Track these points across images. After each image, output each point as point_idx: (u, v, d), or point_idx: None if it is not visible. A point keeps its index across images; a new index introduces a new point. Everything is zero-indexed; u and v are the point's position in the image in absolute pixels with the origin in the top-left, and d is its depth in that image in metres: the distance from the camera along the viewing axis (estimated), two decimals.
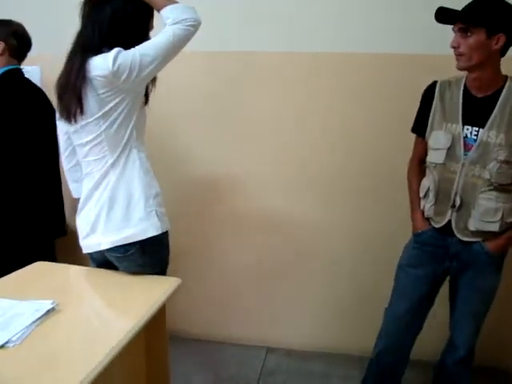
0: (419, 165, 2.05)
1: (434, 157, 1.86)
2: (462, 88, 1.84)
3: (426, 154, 1.96)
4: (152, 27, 1.75)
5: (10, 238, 2.38)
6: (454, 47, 1.73)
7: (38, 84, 2.52)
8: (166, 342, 1.80)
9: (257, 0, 2.56)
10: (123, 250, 1.73)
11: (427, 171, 1.96)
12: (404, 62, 2.46)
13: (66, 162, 1.96)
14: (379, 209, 2.63)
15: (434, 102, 1.89)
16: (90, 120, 1.67)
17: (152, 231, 1.74)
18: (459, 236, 1.85)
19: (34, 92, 2.41)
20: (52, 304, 1.45)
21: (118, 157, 1.72)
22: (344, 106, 2.58)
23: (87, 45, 1.64)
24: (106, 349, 1.25)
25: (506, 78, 1.78)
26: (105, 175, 1.73)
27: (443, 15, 1.73)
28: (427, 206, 1.92)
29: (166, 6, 1.65)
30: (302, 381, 2.65)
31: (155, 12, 1.72)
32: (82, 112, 1.64)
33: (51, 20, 2.64)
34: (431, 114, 1.90)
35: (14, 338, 1.26)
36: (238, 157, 2.76)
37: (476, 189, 1.78)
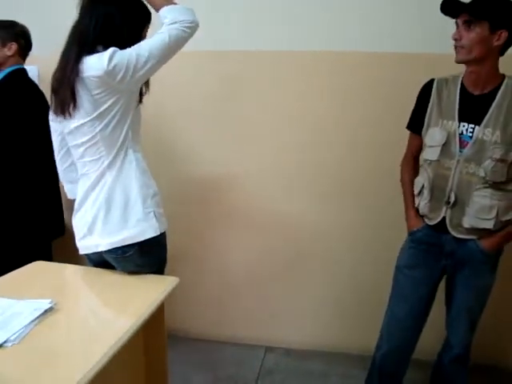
0: (413, 162, 2.06)
1: (429, 153, 1.87)
2: (459, 85, 1.84)
3: (420, 152, 1.97)
4: (145, 35, 1.75)
5: (8, 237, 2.38)
6: (455, 39, 1.74)
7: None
8: (164, 342, 1.80)
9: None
10: (121, 251, 1.73)
11: (421, 169, 1.96)
12: (402, 60, 2.45)
13: (60, 163, 1.96)
14: (379, 208, 2.63)
15: (431, 100, 1.89)
16: (84, 121, 1.66)
17: (150, 232, 1.74)
18: (453, 233, 1.85)
19: (37, 93, 2.42)
20: (50, 303, 1.45)
21: (114, 157, 1.71)
22: (344, 104, 2.58)
23: (82, 39, 1.64)
24: (104, 348, 1.26)
25: (503, 76, 1.79)
26: (101, 176, 1.72)
27: (449, 6, 1.73)
28: (422, 203, 1.92)
29: (164, 5, 1.65)
30: (301, 380, 2.65)
31: (154, 12, 1.72)
32: (75, 106, 1.63)
33: (48, 20, 2.63)
34: (428, 112, 1.90)
35: (12, 338, 1.27)
36: (237, 156, 2.76)
37: (471, 186, 1.78)
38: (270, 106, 2.67)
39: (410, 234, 2.01)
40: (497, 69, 1.78)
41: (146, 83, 1.80)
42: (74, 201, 1.86)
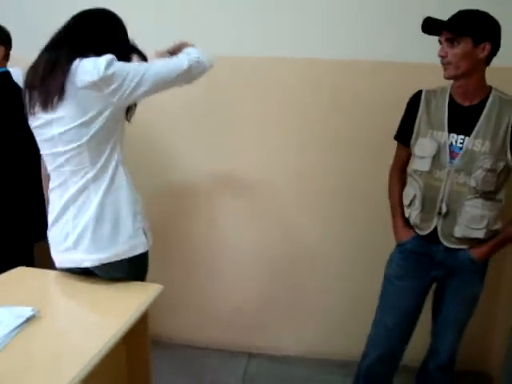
0: (401, 172, 2.07)
1: (419, 164, 1.87)
2: (447, 97, 1.86)
3: (407, 163, 1.98)
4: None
5: None
6: (441, 56, 1.75)
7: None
8: (148, 349, 1.78)
9: (247, 4, 2.54)
10: (109, 265, 1.70)
11: (409, 179, 1.96)
12: (395, 69, 2.46)
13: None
14: (377, 215, 2.61)
15: (420, 111, 1.90)
16: (69, 127, 1.59)
17: (140, 249, 1.74)
18: (445, 243, 1.86)
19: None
20: (32, 311, 1.42)
21: (100, 171, 1.66)
22: (336, 112, 2.58)
23: (75, 40, 1.61)
24: (87, 356, 1.24)
25: (490, 88, 1.81)
26: (83, 188, 1.66)
27: (430, 26, 1.75)
28: (413, 213, 1.92)
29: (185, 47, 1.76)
30: None
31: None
32: (60, 99, 1.55)
33: (32, 20, 2.61)
34: (416, 122, 1.91)
35: None
36: (224, 163, 2.75)
37: (462, 196, 1.79)
38: (257, 113, 2.65)
39: (399, 244, 2.02)
40: (484, 79, 1.80)
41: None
42: None
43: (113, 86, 1.56)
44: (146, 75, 1.60)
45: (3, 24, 2.36)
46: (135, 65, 1.63)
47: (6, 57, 2.38)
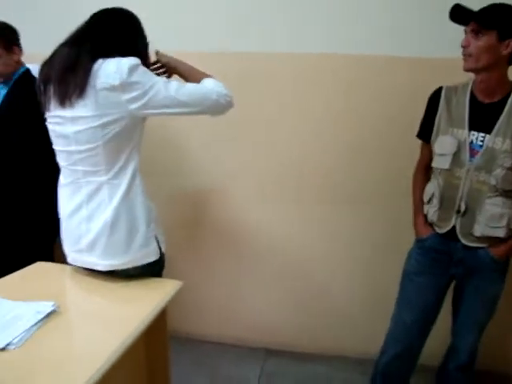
0: (425, 170, 2.04)
1: (440, 162, 1.85)
2: (468, 94, 1.83)
3: (431, 160, 1.96)
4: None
5: (13, 237, 2.38)
6: (463, 46, 1.72)
7: None
8: (167, 344, 1.79)
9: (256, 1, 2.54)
10: (121, 270, 1.71)
11: (432, 176, 1.95)
12: (406, 64, 2.43)
13: None
14: (392, 213, 2.61)
15: (440, 108, 1.88)
16: (84, 127, 1.56)
17: (152, 257, 1.73)
18: (464, 241, 1.84)
19: None
20: (53, 306, 1.43)
21: (117, 175, 1.63)
22: (348, 109, 2.57)
23: (97, 39, 1.59)
24: (107, 352, 1.25)
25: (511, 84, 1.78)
26: (97, 191, 1.64)
27: (458, 14, 1.72)
28: (431, 211, 1.91)
29: (203, 78, 1.73)
30: (300, 383, 2.64)
31: None
32: (79, 97, 1.52)
33: (48, 18, 2.63)
34: (437, 120, 1.89)
35: (14, 341, 1.26)
36: (239, 162, 2.75)
37: (481, 194, 1.77)
38: (267, 111, 2.64)
39: (418, 240, 2.00)
40: (506, 77, 1.77)
41: None
42: None
43: (133, 94, 1.53)
44: (173, 94, 1.58)
45: (20, 21, 2.38)
46: (163, 80, 1.60)
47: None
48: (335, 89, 2.55)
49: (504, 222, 1.76)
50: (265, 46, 2.56)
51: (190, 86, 1.66)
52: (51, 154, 2.31)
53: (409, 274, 2.03)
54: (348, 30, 2.47)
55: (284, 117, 2.63)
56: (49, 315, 1.40)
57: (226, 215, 2.83)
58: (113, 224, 1.64)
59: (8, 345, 1.24)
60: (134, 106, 1.55)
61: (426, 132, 1.95)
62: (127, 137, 1.62)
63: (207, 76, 1.75)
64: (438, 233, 1.92)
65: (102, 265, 1.69)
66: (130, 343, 1.33)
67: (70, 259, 1.78)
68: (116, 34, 1.63)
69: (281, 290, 2.88)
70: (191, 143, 2.77)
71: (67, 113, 1.57)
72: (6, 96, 2.37)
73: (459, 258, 1.88)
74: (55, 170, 2.25)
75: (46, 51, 1.66)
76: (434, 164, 1.89)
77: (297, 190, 2.72)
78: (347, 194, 2.66)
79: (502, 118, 1.74)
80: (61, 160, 1.71)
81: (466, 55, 1.73)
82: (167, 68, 1.87)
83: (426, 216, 1.97)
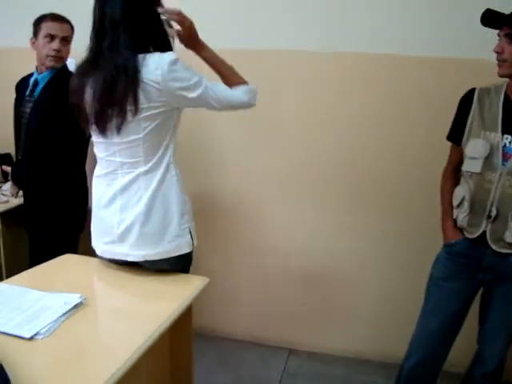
0: (454, 174, 2.00)
1: (471, 166, 1.81)
2: (502, 96, 1.78)
3: (461, 163, 1.92)
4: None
5: (46, 229, 2.42)
6: (497, 52, 1.68)
7: None
8: (191, 341, 1.79)
9: None
10: (152, 262, 1.72)
11: (462, 180, 1.90)
12: (436, 65, 2.42)
13: None
14: (411, 216, 2.59)
15: (472, 110, 1.84)
16: (127, 120, 1.58)
17: (185, 249, 1.73)
18: (494, 247, 1.79)
19: None
20: (80, 298, 1.45)
21: (153, 168, 1.65)
22: (372, 109, 2.56)
23: (133, 33, 1.56)
24: (132, 346, 1.25)
25: None
26: (133, 181, 1.66)
27: (489, 18, 1.68)
28: (461, 215, 1.87)
29: (239, 83, 1.71)
30: None
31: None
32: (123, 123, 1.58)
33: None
34: (468, 122, 1.84)
35: (42, 331, 1.27)
36: (268, 160, 2.76)
37: None
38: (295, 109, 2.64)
39: (447, 245, 1.96)
40: None
41: None
42: None
43: (173, 88, 1.56)
44: (210, 91, 1.62)
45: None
46: (200, 76, 1.61)
47: None
48: (365, 89, 2.54)
49: None
50: (287, 44, 2.57)
51: (228, 92, 1.68)
52: (85, 148, 2.34)
53: (435, 279, 2.00)
54: (365, 28, 2.48)
55: (312, 116, 2.64)
56: (76, 307, 1.42)
57: (253, 213, 2.85)
58: (146, 214, 1.65)
59: (36, 335, 1.26)
60: (174, 99, 1.59)
61: (457, 134, 1.91)
62: (166, 129, 1.65)
63: (244, 82, 1.73)
64: (467, 238, 1.88)
65: (134, 255, 1.70)
66: (156, 338, 1.33)
67: (99, 251, 1.80)
68: (141, 19, 1.59)
69: (305, 291, 2.87)
70: (221, 144, 2.79)
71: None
72: (45, 90, 2.37)
73: (489, 264, 1.84)
74: (84, 164, 2.28)
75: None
76: (465, 167, 1.85)
77: (320, 191, 2.73)
78: (374, 195, 2.65)
79: None
80: (98, 151, 1.73)
81: (501, 61, 1.69)
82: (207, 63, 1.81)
83: (455, 220, 1.93)
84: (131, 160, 1.64)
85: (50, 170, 2.33)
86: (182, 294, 1.59)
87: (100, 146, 1.71)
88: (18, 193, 2.50)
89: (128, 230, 1.67)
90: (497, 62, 1.70)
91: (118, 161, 1.67)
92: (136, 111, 1.55)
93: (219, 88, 1.66)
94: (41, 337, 1.26)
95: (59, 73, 2.36)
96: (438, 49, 2.38)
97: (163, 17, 1.63)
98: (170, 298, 1.58)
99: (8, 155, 3.04)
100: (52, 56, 2.31)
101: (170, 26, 1.68)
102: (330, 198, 2.72)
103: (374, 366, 2.77)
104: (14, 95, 2.52)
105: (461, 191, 1.87)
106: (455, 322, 1.98)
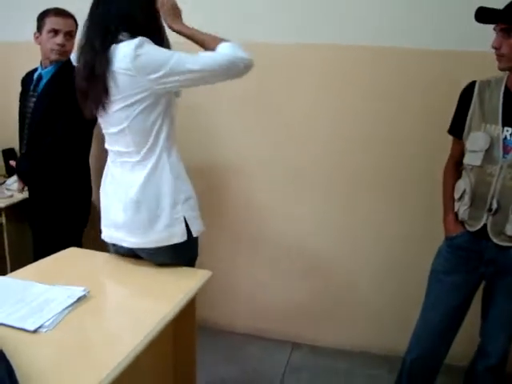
0: (455, 167, 1.99)
1: (471, 159, 1.80)
2: (502, 88, 1.77)
3: (463, 156, 1.91)
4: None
5: (51, 224, 2.43)
6: (495, 48, 1.68)
7: None
8: (194, 334, 1.81)
9: None
10: (148, 250, 1.75)
11: (463, 173, 1.90)
12: (438, 57, 2.41)
13: None
14: (422, 210, 2.59)
15: (473, 103, 1.83)
16: (113, 110, 1.63)
17: (177, 238, 1.72)
18: (495, 240, 1.79)
19: None
20: (84, 291, 1.47)
21: (145, 156, 1.67)
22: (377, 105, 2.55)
23: (104, 25, 1.60)
24: (135, 339, 1.27)
25: None
26: (128, 171, 1.72)
27: (483, 15, 1.67)
28: (462, 208, 1.87)
29: (218, 44, 1.63)
30: (327, 378, 2.63)
31: None
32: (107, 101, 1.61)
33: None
34: (469, 115, 1.84)
35: (46, 324, 1.29)
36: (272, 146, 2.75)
37: None
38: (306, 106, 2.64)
39: (448, 238, 1.96)
40: None
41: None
42: None
43: (147, 71, 1.55)
44: (188, 61, 1.56)
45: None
46: (175, 52, 1.58)
47: None
48: (373, 81, 2.54)
49: None
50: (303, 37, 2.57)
51: (204, 55, 1.61)
52: (88, 142, 2.35)
53: (437, 273, 2.00)
54: (377, 21, 2.47)
55: (322, 108, 2.64)
56: (80, 300, 1.43)
57: (256, 205, 2.86)
58: (138, 202, 1.68)
59: (40, 327, 1.27)
60: (149, 82, 1.57)
61: (457, 128, 1.90)
62: (154, 116, 1.65)
63: (224, 41, 1.65)
64: (468, 231, 1.88)
65: (128, 242, 1.75)
66: (159, 331, 1.34)
67: (103, 234, 1.86)
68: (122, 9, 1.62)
69: (309, 284, 2.88)
70: (227, 122, 2.81)
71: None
72: (49, 84, 2.38)
73: (490, 258, 1.83)
74: (87, 158, 2.29)
75: None
76: (466, 161, 1.84)
77: (327, 181, 2.73)
78: (380, 187, 2.65)
79: None
80: (106, 142, 1.80)
81: (499, 56, 1.68)
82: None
83: (456, 214, 1.93)
84: (125, 149, 1.70)
85: (52, 164, 2.34)
86: (185, 287, 1.61)
87: (105, 137, 1.78)
88: (23, 188, 2.51)
89: (121, 217, 1.72)
90: (496, 56, 1.70)
91: (116, 150, 1.74)
92: (109, 103, 1.61)
93: (198, 56, 1.60)
94: (45, 329, 1.27)
95: (63, 67, 2.37)
96: (439, 42, 2.37)
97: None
98: (173, 291, 1.60)
99: (12, 150, 3.05)
100: (56, 50, 2.32)
101: None
102: (333, 192, 2.72)
103: (377, 359, 2.77)
104: (19, 89, 2.54)
105: (462, 184, 1.87)
106: (456, 315, 1.98)
